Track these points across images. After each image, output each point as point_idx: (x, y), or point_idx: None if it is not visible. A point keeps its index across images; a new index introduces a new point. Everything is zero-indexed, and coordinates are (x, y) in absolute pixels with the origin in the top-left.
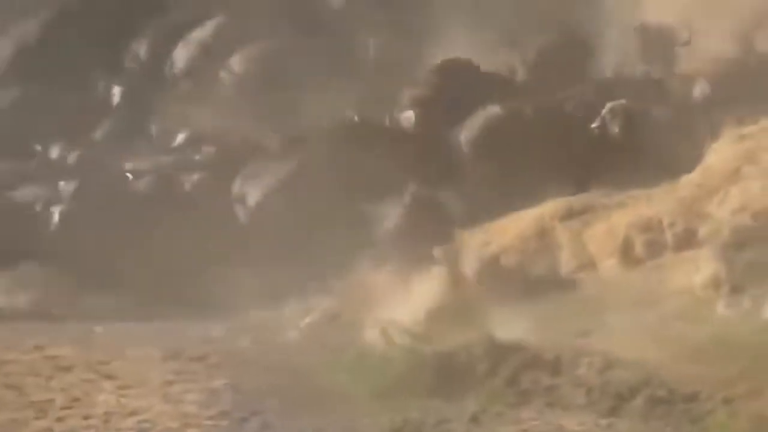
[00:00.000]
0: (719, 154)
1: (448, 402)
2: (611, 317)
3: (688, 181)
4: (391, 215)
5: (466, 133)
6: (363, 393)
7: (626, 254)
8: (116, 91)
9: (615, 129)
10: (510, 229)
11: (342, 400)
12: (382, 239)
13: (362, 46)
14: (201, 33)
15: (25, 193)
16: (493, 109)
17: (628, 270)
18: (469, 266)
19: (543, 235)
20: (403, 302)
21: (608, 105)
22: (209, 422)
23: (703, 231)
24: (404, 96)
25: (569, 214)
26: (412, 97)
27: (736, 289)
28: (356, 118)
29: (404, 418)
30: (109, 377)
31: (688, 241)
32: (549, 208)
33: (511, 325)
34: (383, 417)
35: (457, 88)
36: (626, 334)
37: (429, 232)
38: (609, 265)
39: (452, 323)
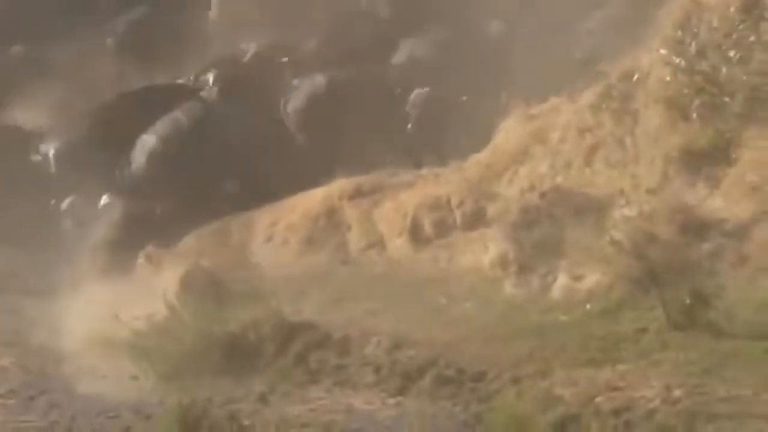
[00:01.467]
0: (508, 134)
1: (236, 381)
2: (400, 296)
3: (477, 160)
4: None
5: (292, 103)
6: (151, 373)
7: (415, 233)
8: None
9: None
10: (298, 208)
11: (130, 380)
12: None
13: None
14: None
15: None
16: (318, 79)
17: (417, 249)
18: (255, 246)
19: (332, 213)
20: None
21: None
22: None
23: (491, 210)
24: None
25: (358, 193)
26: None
27: (524, 269)
28: None
29: (192, 398)
30: None
31: (476, 220)
32: (337, 186)
33: (300, 304)
34: (171, 396)
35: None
36: (415, 313)
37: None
38: (398, 245)
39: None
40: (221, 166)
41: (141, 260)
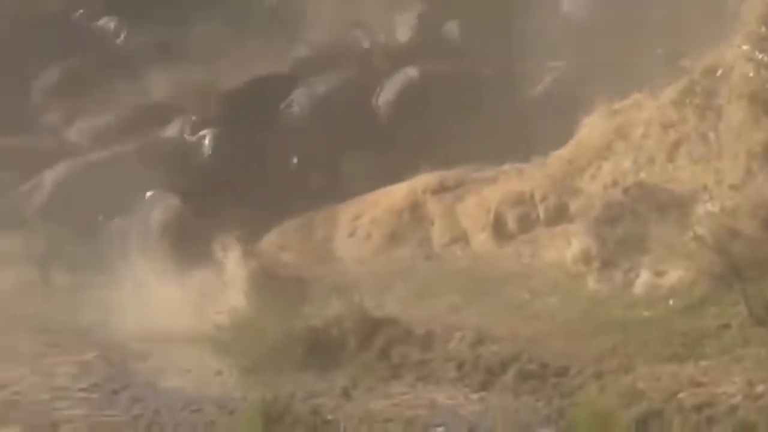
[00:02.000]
0: (591, 129)
1: (319, 376)
2: (483, 292)
3: (560, 156)
4: None
5: (384, 96)
6: (234, 367)
7: (498, 229)
8: None
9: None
10: (382, 202)
11: (213, 374)
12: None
13: None
14: None
15: None
16: (411, 72)
17: (500, 244)
18: (338, 240)
19: (415, 208)
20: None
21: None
22: (81, 394)
23: (574, 206)
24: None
25: (441, 188)
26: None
27: (606, 264)
28: None
29: (275, 393)
30: None
31: (559, 216)
32: (421, 181)
33: (383, 299)
34: (254, 391)
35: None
36: (498, 308)
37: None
38: (481, 240)
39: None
40: (309, 159)
41: (221, 253)
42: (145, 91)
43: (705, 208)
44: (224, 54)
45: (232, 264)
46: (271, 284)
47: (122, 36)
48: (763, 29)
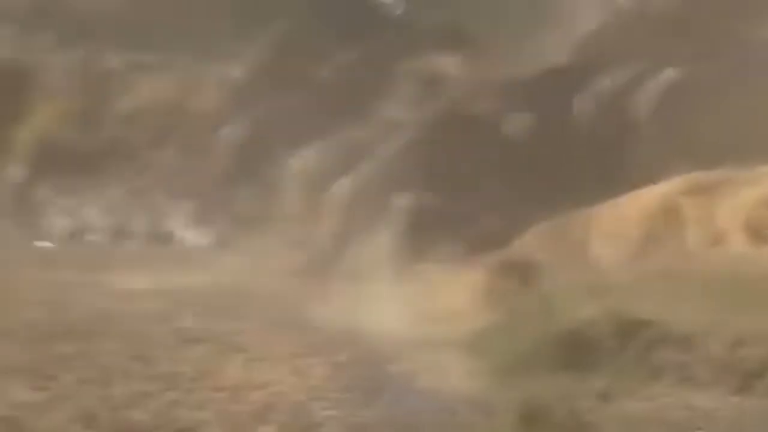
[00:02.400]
0: None
1: (575, 378)
2: (741, 294)
3: None
4: None
5: (643, 96)
6: (488, 368)
7: (755, 230)
8: None
9: None
10: (637, 204)
11: (468, 375)
12: None
13: None
14: None
15: None
16: (669, 72)
17: (757, 246)
18: (593, 242)
19: (670, 210)
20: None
21: None
22: (336, 395)
23: None
24: None
25: (697, 190)
26: None
27: None
28: None
29: (531, 395)
30: (239, 350)
31: None
32: (676, 183)
33: (639, 300)
34: (510, 393)
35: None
36: (756, 310)
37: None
38: (737, 241)
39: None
40: (563, 160)
41: (474, 253)
42: (434, 76)
43: None
44: (510, 40)
45: (485, 264)
46: (529, 285)
47: (401, 10)
48: None
